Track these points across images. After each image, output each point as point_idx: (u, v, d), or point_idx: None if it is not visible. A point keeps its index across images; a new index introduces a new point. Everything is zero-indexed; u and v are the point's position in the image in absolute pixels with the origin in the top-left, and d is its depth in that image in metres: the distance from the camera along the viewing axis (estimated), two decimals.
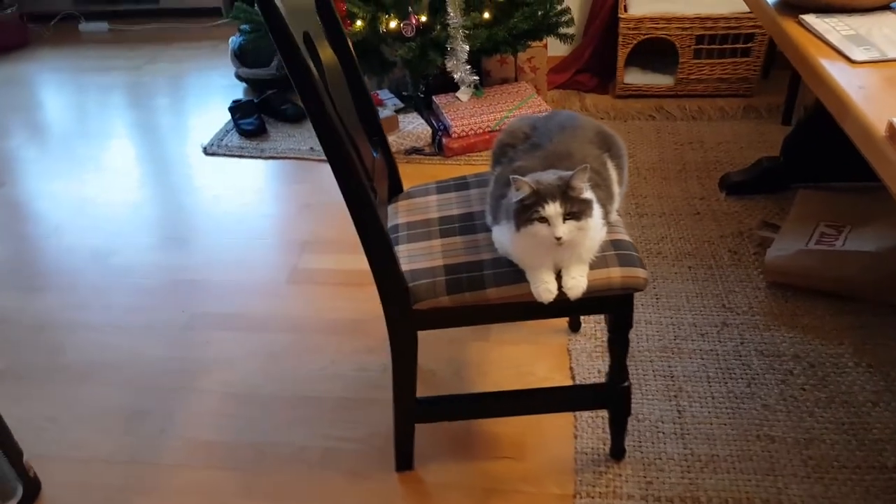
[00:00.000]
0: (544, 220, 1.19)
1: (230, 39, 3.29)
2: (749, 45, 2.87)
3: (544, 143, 1.37)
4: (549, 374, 1.80)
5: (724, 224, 2.25)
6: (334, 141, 1.18)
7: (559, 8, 2.71)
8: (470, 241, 1.41)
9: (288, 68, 1.12)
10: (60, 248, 2.43)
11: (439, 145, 2.76)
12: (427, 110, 2.91)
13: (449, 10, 2.41)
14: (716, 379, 1.74)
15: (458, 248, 1.40)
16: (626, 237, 1.38)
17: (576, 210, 1.20)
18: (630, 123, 2.88)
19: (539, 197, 1.19)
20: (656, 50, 3.00)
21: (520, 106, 2.79)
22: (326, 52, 1.37)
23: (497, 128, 2.75)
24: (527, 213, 1.20)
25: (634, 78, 3.05)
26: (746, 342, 1.83)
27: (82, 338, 2.03)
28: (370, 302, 2.07)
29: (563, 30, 2.75)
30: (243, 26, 2.67)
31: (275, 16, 1.06)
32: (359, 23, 2.41)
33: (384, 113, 2.77)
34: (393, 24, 2.38)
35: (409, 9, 2.40)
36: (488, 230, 1.41)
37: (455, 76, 2.57)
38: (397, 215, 1.56)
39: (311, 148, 2.86)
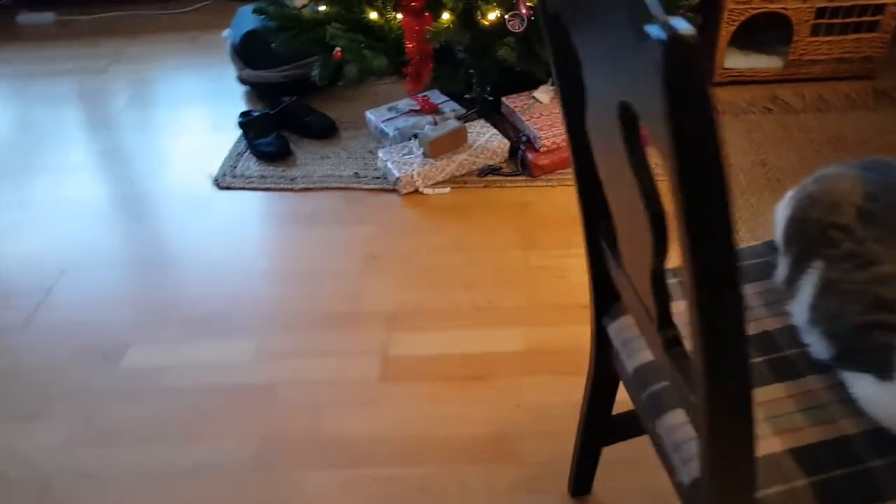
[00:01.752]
0: None
1: (224, 33, 2.63)
2: (878, 17, 2.37)
3: None
4: None
5: None
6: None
7: None
8: (802, 392, 0.87)
9: None
10: (44, 347, 1.78)
11: (522, 162, 2.19)
12: (495, 115, 2.32)
13: None
14: None
15: (793, 413, 0.86)
16: None
17: None
18: (745, 119, 2.36)
19: None
20: (754, 27, 2.47)
21: None
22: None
23: None
24: None
25: (736, 61, 2.52)
26: None
27: (105, 498, 1.42)
28: (502, 404, 1.53)
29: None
30: (268, 22, 2.00)
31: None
32: (445, 16, 1.78)
33: (446, 125, 2.17)
34: (492, 16, 1.75)
35: None
36: (820, 370, 0.87)
37: None
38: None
39: (356, 174, 2.25)
